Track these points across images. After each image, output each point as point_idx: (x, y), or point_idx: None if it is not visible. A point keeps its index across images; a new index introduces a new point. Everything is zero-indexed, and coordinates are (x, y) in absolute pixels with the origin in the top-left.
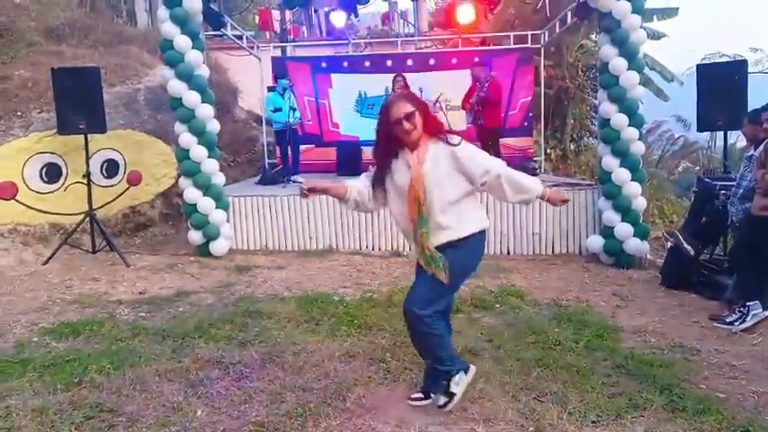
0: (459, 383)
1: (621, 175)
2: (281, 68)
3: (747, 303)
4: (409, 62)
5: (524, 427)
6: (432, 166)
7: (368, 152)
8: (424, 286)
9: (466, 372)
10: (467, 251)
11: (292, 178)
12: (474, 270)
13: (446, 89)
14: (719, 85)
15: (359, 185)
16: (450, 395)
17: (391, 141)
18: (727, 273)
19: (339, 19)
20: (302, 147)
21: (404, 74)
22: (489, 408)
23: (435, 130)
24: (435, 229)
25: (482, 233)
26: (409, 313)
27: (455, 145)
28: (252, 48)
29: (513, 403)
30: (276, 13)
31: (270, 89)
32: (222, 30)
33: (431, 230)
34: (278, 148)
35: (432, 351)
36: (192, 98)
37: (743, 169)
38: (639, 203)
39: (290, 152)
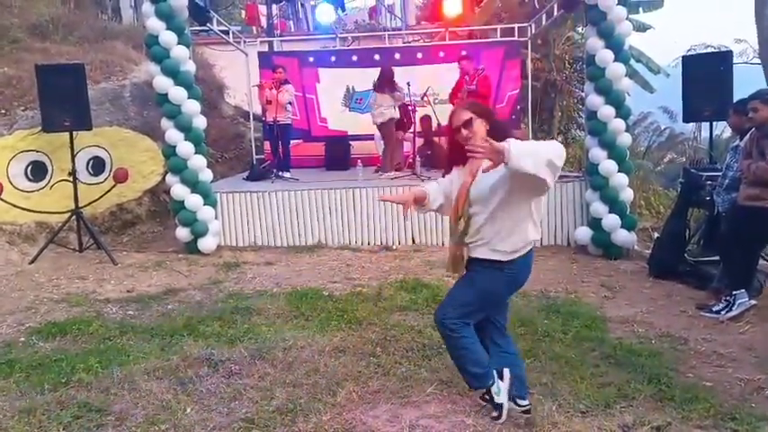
0: (499, 393)
1: (608, 166)
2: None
3: (734, 292)
4: (397, 56)
5: (514, 418)
6: (481, 177)
7: (356, 147)
8: (452, 292)
9: (501, 377)
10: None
11: (280, 173)
12: (500, 294)
13: (434, 83)
14: (705, 77)
15: (435, 191)
16: (498, 406)
17: (456, 149)
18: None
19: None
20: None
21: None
22: (478, 400)
23: (502, 138)
24: (472, 242)
25: (518, 259)
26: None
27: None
28: (238, 43)
29: None
30: (262, 8)
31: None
32: (208, 25)
33: (469, 242)
34: (267, 144)
35: (454, 360)
36: (178, 94)
37: (729, 159)
38: (626, 195)
39: (280, 148)
